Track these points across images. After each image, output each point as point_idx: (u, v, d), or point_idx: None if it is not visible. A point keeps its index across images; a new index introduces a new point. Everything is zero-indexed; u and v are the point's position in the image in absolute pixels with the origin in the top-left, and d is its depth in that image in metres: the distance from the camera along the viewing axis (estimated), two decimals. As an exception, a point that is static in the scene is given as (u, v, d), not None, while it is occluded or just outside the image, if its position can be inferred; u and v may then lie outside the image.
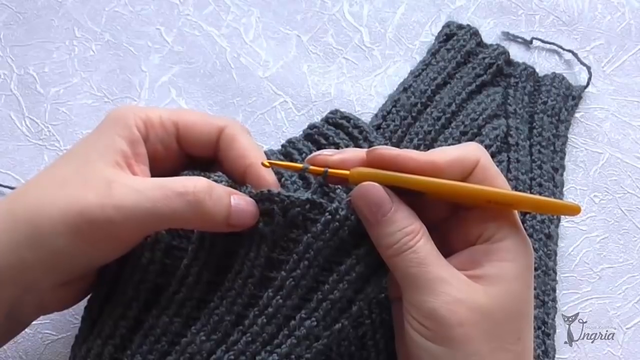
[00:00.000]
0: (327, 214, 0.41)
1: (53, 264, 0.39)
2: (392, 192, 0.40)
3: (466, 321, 0.38)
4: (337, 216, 0.40)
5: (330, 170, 0.41)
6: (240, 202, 0.41)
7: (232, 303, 0.41)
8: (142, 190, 0.39)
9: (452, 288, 0.39)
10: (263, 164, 0.42)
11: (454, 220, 0.43)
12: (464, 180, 0.41)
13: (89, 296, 0.44)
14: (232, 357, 0.40)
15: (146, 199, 0.38)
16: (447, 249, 0.42)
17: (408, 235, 0.39)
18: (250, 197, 0.41)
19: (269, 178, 0.44)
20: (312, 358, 0.41)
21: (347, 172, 0.41)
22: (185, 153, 0.45)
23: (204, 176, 0.43)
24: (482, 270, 0.40)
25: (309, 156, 0.42)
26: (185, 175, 0.44)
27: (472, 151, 0.41)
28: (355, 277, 0.41)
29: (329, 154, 0.41)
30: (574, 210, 0.41)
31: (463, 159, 0.41)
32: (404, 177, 0.40)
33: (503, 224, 0.41)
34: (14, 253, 0.38)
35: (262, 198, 0.41)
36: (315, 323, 0.41)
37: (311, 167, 0.41)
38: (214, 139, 0.44)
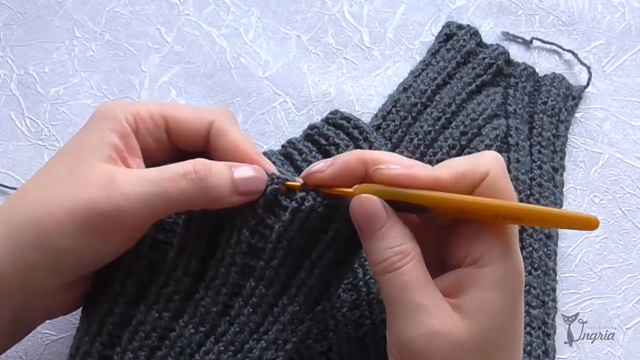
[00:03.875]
0: (293, 202, 0.41)
1: (60, 264, 0.39)
2: (392, 208, 0.39)
3: (440, 355, 0.37)
4: (303, 206, 0.41)
5: (334, 190, 0.41)
6: (242, 171, 0.41)
7: (217, 293, 0.41)
8: (145, 176, 0.39)
9: (433, 318, 0.37)
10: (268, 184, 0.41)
11: (450, 235, 0.41)
12: (470, 193, 0.39)
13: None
14: (222, 347, 0.41)
15: (152, 184, 0.38)
16: (440, 265, 0.41)
17: (397, 255, 0.38)
18: None
19: (267, 166, 0.43)
20: (298, 341, 0.42)
21: (351, 190, 0.40)
22: (176, 147, 0.44)
23: None
24: (465, 300, 0.38)
25: (303, 173, 0.41)
26: None
27: (483, 162, 0.39)
28: (326, 261, 0.42)
29: (321, 170, 0.41)
30: (591, 224, 0.37)
31: (471, 172, 0.39)
32: (406, 192, 0.39)
33: (492, 247, 0.38)
34: (19, 258, 0.38)
35: None
36: (297, 308, 0.42)
37: (309, 187, 0.41)
38: (203, 132, 0.43)
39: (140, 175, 0.39)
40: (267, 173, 0.42)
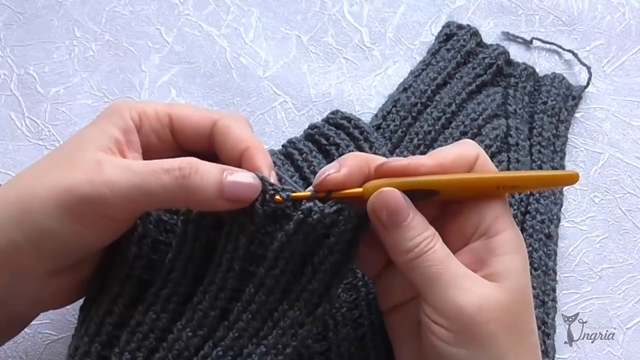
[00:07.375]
0: (299, 212, 0.40)
1: (43, 246, 0.39)
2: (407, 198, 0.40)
3: (492, 318, 0.39)
4: (309, 219, 0.40)
5: (344, 192, 0.40)
6: (234, 175, 0.40)
7: (215, 298, 0.41)
8: (130, 167, 0.39)
9: (476, 285, 0.39)
10: (277, 200, 0.40)
11: (445, 220, 0.43)
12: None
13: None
14: (220, 352, 0.40)
15: (134, 175, 0.38)
16: None
17: (426, 238, 0.40)
18: None
19: (263, 161, 0.42)
20: (298, 345, 0.41)
21: (360, 189, 0.40)
22: (180, 146, 0.44)
23: None
24: (491, 269, 0.40)
25: (315, 181, 0.41)
26: None
27: (470, 148, 0.42)
28: (329, 266, 0.41)
29: (334, 171, 0.40)
30: (572, 177, 0.42)
31: (464, 157, 0.41)
32: (419, 179, 0.40)
33: (501, 215, 0.41)
34: (3, 235, 0.38)
35: None
36: (298, 312, 0.41)
37: (319, 194, 0.41)
38: (207, 131, 0.43)
39: (125, 165, 0.39)
40: (265, 182, 0.40)
